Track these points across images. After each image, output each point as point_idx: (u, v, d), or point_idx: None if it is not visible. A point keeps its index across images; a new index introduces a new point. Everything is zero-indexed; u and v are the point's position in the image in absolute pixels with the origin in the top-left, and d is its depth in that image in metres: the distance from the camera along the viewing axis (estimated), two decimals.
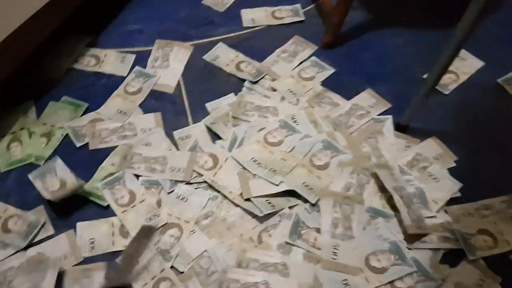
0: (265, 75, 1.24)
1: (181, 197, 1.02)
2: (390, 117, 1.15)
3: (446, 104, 1.20)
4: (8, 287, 0.92)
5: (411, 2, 1.42)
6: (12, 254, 0.95)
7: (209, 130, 1.14)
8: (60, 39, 1.29)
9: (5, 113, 1.15)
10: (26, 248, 0.95)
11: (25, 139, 1.11)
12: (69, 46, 1.29)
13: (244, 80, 1.23)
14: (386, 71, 1.26)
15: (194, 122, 1.16)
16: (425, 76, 1.22)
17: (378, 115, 1.16)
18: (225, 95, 1.20)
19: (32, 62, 1.21)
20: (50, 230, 0.98)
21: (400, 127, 1.14)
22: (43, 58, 1.26)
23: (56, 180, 1.03)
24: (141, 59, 1.28)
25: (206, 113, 1.17)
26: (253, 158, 1.07)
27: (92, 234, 0.98)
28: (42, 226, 0.99)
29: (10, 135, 1.11)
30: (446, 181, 1.05)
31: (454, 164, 1.09)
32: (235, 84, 1.23)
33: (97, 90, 1.21)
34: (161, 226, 0.98)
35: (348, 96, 1.20)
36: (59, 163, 1.05)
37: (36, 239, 0.97)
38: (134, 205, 1.01)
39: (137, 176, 1.05)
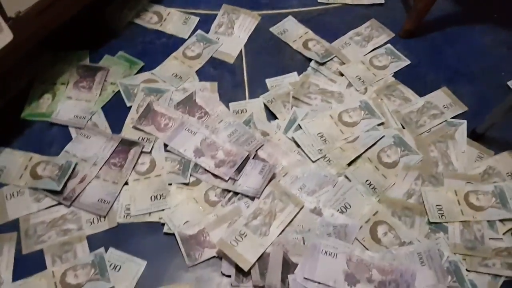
0: (333, 57, 1.14)
1: None
2: (464, 122, 1.04)
3: None
4: (38, 241, 0.89)
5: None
6: (47, 207, 0.92)
7: (266, 108, 1.06)
8: None
9: (59, 59, 1.11)
10: (61, 191, 0.92)
11: (60, 94, 1.06)
12: None
13: (310, 60, 1.14)
14: (467, 71, 1.13)
15: (251, 97, 1.09)
16: (510, 82, 1.10)
17: (453, 117, 1.05)
18: (287, 73, 1.12)
19: (94, 10, 1.16)
20: None
21: (474, 135, 1.02)
22: (106, 7, 1.20)
23: None
24: (205, 23, 1.20)
25: (264, 89, 1.09)
26: (321, 133, 0.99)
27: (129, 200, 0.93)
28: (75, 167, 0.95)
29: (51, 85, 1.08)
30: None
31: None
32: (300, 63, 1.14)
33: (155, 49, 1.15)
34: None
35: (421, 92, 1.09)
36: None
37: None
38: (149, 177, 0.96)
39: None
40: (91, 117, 1.04)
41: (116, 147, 0.99)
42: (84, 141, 1.00)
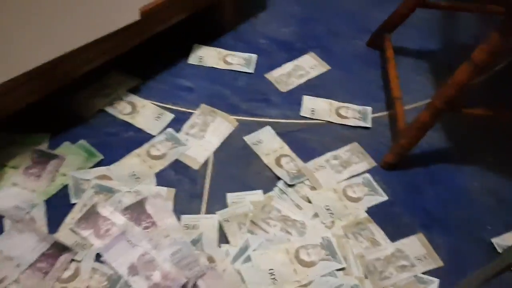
0: (305, 179, 1.05)
1: None
2: (436, 281, 0.92)
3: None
4: None
5: (504, 142, 1.19)
6: None
7: (220, 227, 0.97)
8: (103, 76, 1.19)
9: (17, 140, 1.05)
10: None
11: (6, 179, 0.99)
12: (109, 86, 1.19)
13: (279, 178, 1.05)
14: (449, 218, 1.03)
15: (208, 211, 1.00)
16: (495, 240, 0.99)
17: (424, 273, 0.93)
18: (252, 190, 1.03)
19: (66, 92, 1.11)
20: None
21: None
22: (78, 91, 1.16)
23: None
24: (178, 121, 1.14)
25: (224, 205, 1.01)
26: (271, 270, 0.89)
27: None
28: None
29: (0, 168, 1.01)
30: None
31: None
32: (268, 180, 1.05)
33: (119, 142, 1.09)
34: None
35: (394, 235, 0.98)
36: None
37: None
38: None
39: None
40: (31, 209, 0.96)
41: (46, 250, 0.90)
42: (15, 237, 0.91)
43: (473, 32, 1.48)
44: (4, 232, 0.92)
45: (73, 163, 1.04)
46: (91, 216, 0.95)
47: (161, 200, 0.99)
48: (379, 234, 0.98)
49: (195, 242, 0.94)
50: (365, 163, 1.10)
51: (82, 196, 0.98)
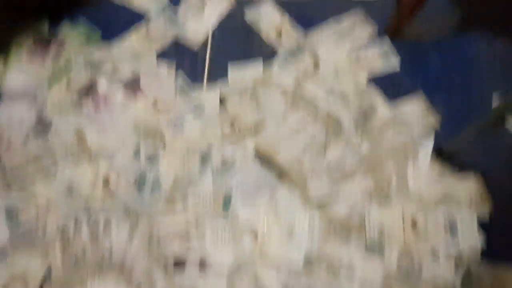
0: (306, 51, 1.04)
1: None
2: (431, 140, 0.93)
3: (505, 142, 0.94)
4: None
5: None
6: None
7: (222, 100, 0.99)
8: None
9: (18, 27, 1.06)
10: None
11: (12, 63, 1.02)
12: None
13: (279, 52, 1.05)
14: (452, 81, 1.01)
15: (209, 86, 1.01)
16: (495, 101, 0.98)
17: (422, 132, 0.95)
18: (252, 64, 1.03)
19: None
20: None
21: (440, 153, 0.92)
22: None
23: None
24: (176, 0, 1.12)
25: (225, 79, 1.02)
26: None
27: None
28: None
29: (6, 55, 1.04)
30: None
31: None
32: (268, 54, 1.05)
33: (118, 23, 1.08)
34: None
35: (395, 99, 0.98)
36: None
37: None
38: None
39: None
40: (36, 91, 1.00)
41: None
42: None
43: None
44: None
45: (73, 44, 1.05)
46: (90, 91, 0.99)
47: (157, 76, 1.01)
48: (379, 99, 0.98)
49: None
50: (369, 31, 1.07)
51: (81, 73, 1.01)
